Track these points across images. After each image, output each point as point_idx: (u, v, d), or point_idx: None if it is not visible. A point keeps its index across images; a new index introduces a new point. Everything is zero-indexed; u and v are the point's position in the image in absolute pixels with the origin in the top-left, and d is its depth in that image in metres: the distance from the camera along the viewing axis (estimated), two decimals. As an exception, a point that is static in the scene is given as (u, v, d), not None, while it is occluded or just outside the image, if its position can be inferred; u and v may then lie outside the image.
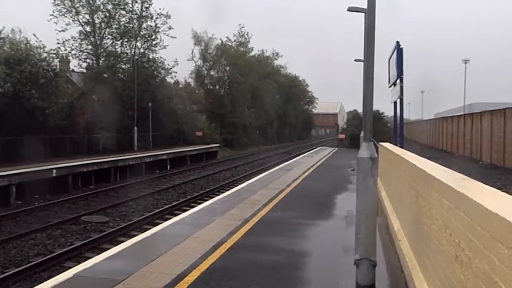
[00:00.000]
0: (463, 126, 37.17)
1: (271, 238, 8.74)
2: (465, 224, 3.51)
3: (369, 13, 6.12)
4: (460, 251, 3.62)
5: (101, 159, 25.39)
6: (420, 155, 9.04)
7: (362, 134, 22.14)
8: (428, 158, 7.94)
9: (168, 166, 31.82)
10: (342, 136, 49.59)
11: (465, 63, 69.03)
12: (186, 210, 14.07)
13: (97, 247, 12.23)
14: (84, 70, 36.01)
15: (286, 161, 30.41)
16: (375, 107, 46.14)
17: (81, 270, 6.62)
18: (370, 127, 6.19)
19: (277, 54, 68.84)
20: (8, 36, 29.36)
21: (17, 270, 10.17)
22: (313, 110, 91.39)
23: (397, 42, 12.33)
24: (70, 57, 34.47)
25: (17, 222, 15.26)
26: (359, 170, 6.09)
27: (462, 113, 44.85)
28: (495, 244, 2.77)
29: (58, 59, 32.09)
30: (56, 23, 34.11)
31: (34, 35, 29.66)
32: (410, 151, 11.50)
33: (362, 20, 19.37)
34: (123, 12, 36.10)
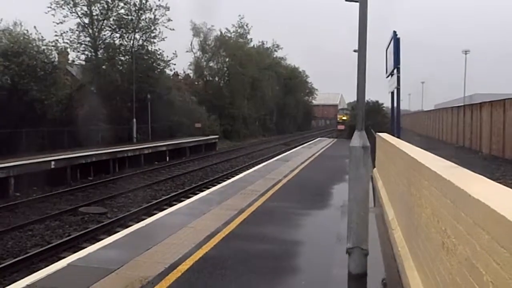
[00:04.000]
0: (462, 117, 37.14)
1: (265, 228, 8.77)
2: (451, 211, 3.53)
3: (361, 3, 6.09)
4: (447, 238, 3.64)
5: (99, 150, 25.39)
6: (419, 146, 9.03)
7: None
8: (426, 149, 7.93)
9: (167, 158, 31.83)
10: (341, 127, 49.60)
11: (466, 53, 68.76)
12: (183, 201, 14.09)
13: (94, 238, 12.26)
14: (83, 62, 35.93)
15: (285, 152, 30.42)
16: (375, 98, 46.05)
17: (75, 259, 6.66)
18: (362, 116, 6.18)
19: (278, 46, 68.80)
20: (8, 28, 29.35)
21: (14, 260, 10.21)
22: (313, 101, 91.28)
23: (394, 32, 12.31)
24: (69, 49, 34.38)
25: (15, 213, 15.30)
26: (351, 159, 6.09)
27: (462, 104, 44.78)
28: (477, 230, 2.78)
29: (57, 52, 32.02)
30: (53, 15, 34.02)
31: (35, 27, 29.56)
32: (409, 142, 11.49)
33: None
34: (122, 4, 35.96)
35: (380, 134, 15.48)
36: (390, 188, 9.95)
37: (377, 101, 42.85)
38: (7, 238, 12.26)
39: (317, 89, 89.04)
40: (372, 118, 40.45)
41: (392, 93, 14.47)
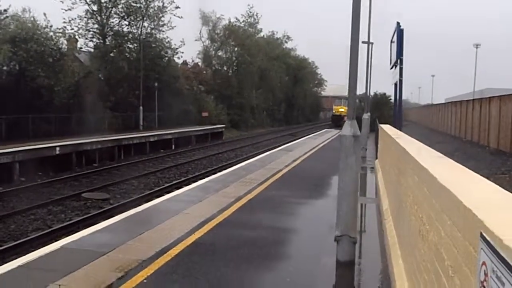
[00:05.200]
0: (471, 111, 36.83)
1: (260, 216, 8.83)
2: (426, 198, 3.56)
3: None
4: (422, 225, 3.68)
5: (105, 137, 25.55)
6: (426, 140, 9.02)
7: (365, 116, 22.11)
8: (434, 143, 7.93)
9: (173, 146, 31.97)
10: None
11: (476, 47, 68.15)
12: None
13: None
14: (91, 50, 36.05)
15: (290, 142, 30.43)
16: (382, 90, 45.93)
17: (69, 242, 6.77)
18: (354, 105, 6.21)
19: (288, 37, 68.54)
20: (16, 14, 29.49)
21: (14, 243, 10.37)
22: (322, 92, 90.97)
23: (398, 23, 12.26)
24: (77, 37, 34.50)
25: (19, 198, 15.46)
26: (342, 148, 6.12)
27: (471, 98, 44.43)
28: (442, 217, 2.82)
29: (66, 38, 32.15)
30: (62, 1, 34.07)
31: (44, 14, 29.69)
32: (416, 135, 11.48)
33: (373, 1, 19.23)
34: (130, -9, 35.97)
35: (382, 125, 15.47)
36: (387, 178, 9.98)
37: (384, 94, 42.73)
38: (9, 222, 12.42)
39: (326, 80, 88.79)
40: (380, 110, 40.39)
41: (396, 84, 14.42)
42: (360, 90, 26.15)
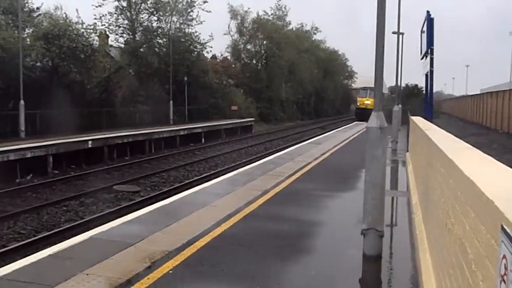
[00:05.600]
0: (508, 101, 35.88)
1: (287, 208, 8.82)
2: (452, 191, 3.49)
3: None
4: (448, 219, 3.60)
5: (136, 131, 25.92)
6: (460, 132, 8.84)
7: (395, 108, 21.79)
8: (468, 135, 7.77)
9: (203, 139, 32.19)
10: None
11: (513, 36, 66.12)
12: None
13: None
14: (122, 45, 36.53)
15: (319, 135, 30.25)
16: (415, 82, 45.19)
17: (98, 232, 6.90)
18: (380, 97, 6.12)
19: (317, 28, 67.96)
20: (49, 11, 30.10)
21: (47, 234, 10.65)
22: (353, 84, 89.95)
23: (427, 12, 12.01)
24: (108, 32, 35.01)
25: (53, 190, 15.86)
26: (368, 140, 6.04)
27: (508, 89, 43.23)
28: (466, 209, 2.75)
29: (97, 34, 32.68)
30: (93, -2, 34.63)
31: (77, 10, 30.29)
32: (450, 127, 11.26)
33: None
34: (159, -13, 36.27)
35: (413, 118, 15.21)
36: (417, 171, 9.82)
37: (416, 85, 41.97)
38: (43, 213, 12.75)
39: (356, 73, 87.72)
40: (411, 102, 39.74)
41: (426, 75, 14.15)
42: (392, 81, 25.88)
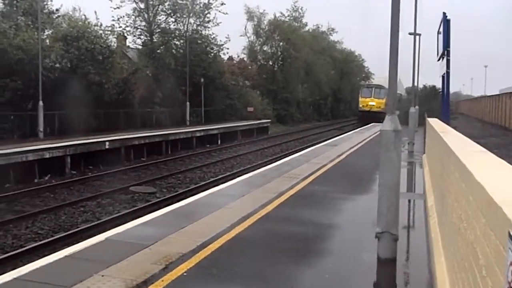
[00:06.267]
0: (527, 102, 35.36)
1: (302, 211, 8.81)
2: (464, 195, 3.47)
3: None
4: (461, 223, 3.58)
5: (153, 132, 26.13)
6: (477, 133, 8.76)
7: (412, 110, 21.62)
8: (485, 136, 7.71)
9: (219, 141, 32.29)
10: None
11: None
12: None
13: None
14: (139, 47, 36.89)
15: (336, 137, 30.14)
16: (432, 83, 44.72)
17: (113, 234, 6.98)
18: (394, 100, 6.09)
19: (333, 29, 67.73)
20: (68, 13, 30.50)
21: (64, 234, 10.80)
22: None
23: (444, 13, 11.91)
24: (125, 34, 35.39)
25: (70, 190, 16.06)
26: (382, 143, 6.02)
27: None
28: (478, 214, 2.74)
29: (115, 36, 33.03)
30: (111, 0, 35.06)
31: (95, 12, 30.65)
32: (467, 128, 11.16)
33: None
34: (176, -11, 36.57)
35: (430, 119, 15.09)
36: (433, 174, 9.75)
37: (434, 86, 41.54)
38: (60, 213, 12.92)
39: (373, 74, 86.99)
40: (429, 104, 39.35)
41: (443, 77, 14.03)
42: (409, 82, 25.58)
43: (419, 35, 24.18)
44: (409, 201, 10.18)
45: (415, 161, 16.42)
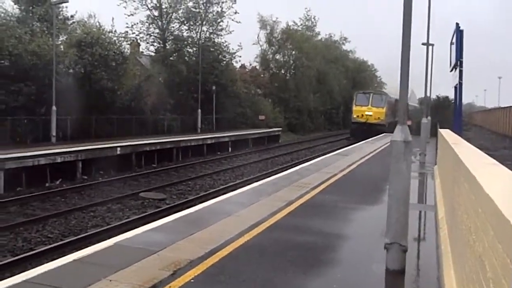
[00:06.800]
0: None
1: (311, 220, 8.78)
2: (474, 207, 3.44)
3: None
4: (470, 235, 3.55)
5: (164, 139, 26.26)
6: (492, 145, 8.69)
7: (424, 120, 21.50)
8: (499, 148, 7.64)
9: (230, 149, 32.37)
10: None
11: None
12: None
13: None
14: (152, 53, 37.18)
15: (347, 146, 30.04)
16: (446, 93, 44.39)
17: (122, 239, 7.01)
18: (405, 110, 6.07)
19: (345, 39, 67.89)
20: (82, 20, 30.85)
21: (74, 238, 10.86)
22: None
23: (457, 24, 11.87)
24: (139, 41, 35.72)
25: (81, 195, 16.18)
26: (392, 154, 5.99)
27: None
28: (486, 226, 2.72)
29: (128, 43, 33.36)
30: (125, 7, 35.53)
31: (112, 19, 31.08)
32: (480, 140, 11.07)
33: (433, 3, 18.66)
34: (190, -3, 36.90)
35: (442, 130, 15.00)
36: (444, 185, 9.68)
37: (447, 97, 41.28)
38: (71, 218, 13.02)
39: (385, 84, 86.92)
40: (441, 114, 39.10)
41: (456, 88, 13.95)
42: (422, 93, 25.49)
43: (432, 45, 24.15)
44: (420, 212, 10.11)
45: (426, 172, 16.31)
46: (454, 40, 12.33)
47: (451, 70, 14.11)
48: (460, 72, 11.88)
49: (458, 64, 11.97)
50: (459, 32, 11.68)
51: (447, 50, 14.52)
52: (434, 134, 24.46)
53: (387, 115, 38.99)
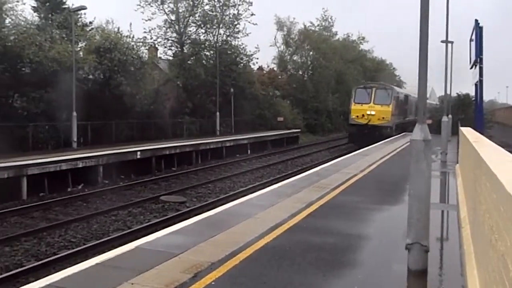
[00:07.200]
0: None
1: (332, 221, 8.74)
2: (496, 206, 3.40)
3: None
4: (492, 234, 3.50)
5: (183, 142, 26.41)
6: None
7: (444, 119, 21.25)
8: None
9: (249, 151, 32.38)
10: (428, 121, 47.55)
11: None
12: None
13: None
14: (170, 58, 37.43)
15: (367, 146, 29.80)
16: (466, 91, 43.74)
17: (144, 242, 7.07)
18: (424, 109, 6.00)
19: (363, 38, 67.29)
20: (101, 26, 31.20)
21: (96, 242, 10.98)
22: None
23: (476, 20, 11.70)
24: (157, 45, 36.02)
25: (102, 199, 16.34)
26: (412, 153, 5.94)
27: None
28: (509, 225, 2.68)
29: (147, 48, 33.65)
30: (142, 12, 35.83)
31: (130, 24, 31.45)
32: (503, 137, 10.89)
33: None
34: (206, 0, 37.10)
35: (463, 128, 14.81)
36: (466, 184, 9.55)
37: (467, 94, 40.69)
38: (93, 222, 13.17)
39: (405, 82, 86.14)
40: (462, 112, 38.61)
41: (476, 85, 13.77)
42: (442, 91, 25.08)
43: (451, 42, 23.83)
44: (442, 212, 10.00)
45: (448, 171, 16.12)
46: (473, 37, 12.16)
47: (471, 68, 13.92)
48: (480, 69, 11.73)
49: (478, 61, 11.81)
50: (478, 29, 11.53)
51: (467, 47, 14.36)
52: (455, 132, 24.17)
53: (394, 114, 33.22)
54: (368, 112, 32.45)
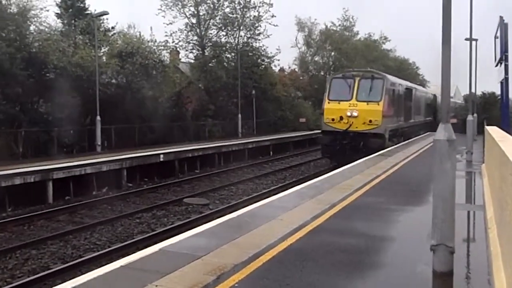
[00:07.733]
0: None
1: (355, 223, 8.68)
2: (523, 206, 3.32)
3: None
4: (520, 236, 3.43)
5: (206, 145, 26.54)
6: None
7: (469, 118, 20.91)
8: None
9: (271, 152, 32.38)
10: (453, 120, 46.89)
11: None
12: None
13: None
14: (191, 60, 37.74)
15: (390, 146, 29.50)
16: (491, 89, 43.02)
17: (167, 245, 7.11)
18: (447, 108, 5.91)
19: (386, 38, 66.60)
20: (123, 30, 31.64)
21: (121, 245, 11.11)
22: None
23: (501, 17, 11.50)
24: (178, 49, 36.32)
25: (126, 202, 16.54)
26: (436, 153, 5.85)
27: None
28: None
29: (168, 51, 33.98)
30: (164, 16, 36.28)
31: (151, 28, 31.80)
32: None
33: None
34: (227, 3, 37.28)
35: (489, 127, 14.56)
36: (492, 184, 9.39)
37: (493, 93, 40.00)
38: (117, 225, 13.34)
39: (428, 81, 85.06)
40: (488, 111, 37.99)
41: (502, 83, 13.52)
42: (467, 90, 24.57)
43: (476, 40, 23.47)
44: (468, 212, 9.84)
45: (474, 171, 15.87)
46: (498, 34, 11.94)
47: (496, 65, 13.68)
48: (506, 66, 11.51)
49: (503, 58, 11.59)
50: (503, 26, 11.31)
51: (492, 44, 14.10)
52: (481, 131, 23.79)
53: (388, 115, 23.36)
54: (349, 113, 22.84)
